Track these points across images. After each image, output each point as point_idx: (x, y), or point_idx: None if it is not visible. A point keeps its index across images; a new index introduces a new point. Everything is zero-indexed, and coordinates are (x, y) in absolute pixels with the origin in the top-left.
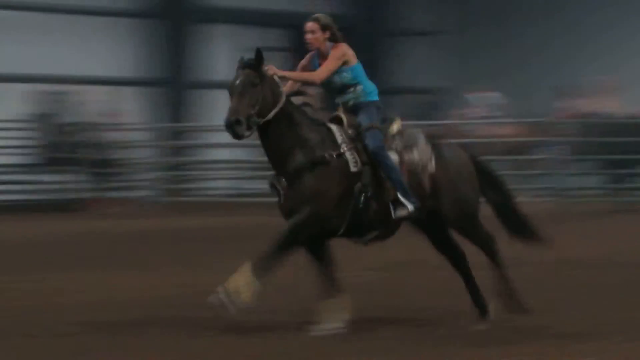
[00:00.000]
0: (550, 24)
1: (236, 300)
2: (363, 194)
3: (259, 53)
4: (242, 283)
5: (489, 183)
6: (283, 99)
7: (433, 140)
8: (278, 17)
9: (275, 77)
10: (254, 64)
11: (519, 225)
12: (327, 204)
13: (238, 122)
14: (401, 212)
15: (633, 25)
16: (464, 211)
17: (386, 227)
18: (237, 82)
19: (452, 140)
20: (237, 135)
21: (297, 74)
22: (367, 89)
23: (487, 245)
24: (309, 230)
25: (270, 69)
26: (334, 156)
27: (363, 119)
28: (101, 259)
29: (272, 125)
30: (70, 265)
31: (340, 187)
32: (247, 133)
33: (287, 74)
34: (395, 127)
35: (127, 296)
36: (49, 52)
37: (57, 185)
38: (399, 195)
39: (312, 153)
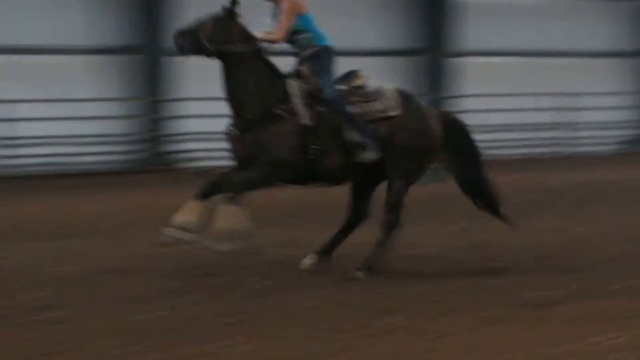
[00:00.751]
0: None
1: (228, 237)
2: (317, 145)
3: (229, 8)
4: (228, 224)
5: (457, 141)
6: (249, 46)
7: (405, 93)
8: None
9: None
10: (228, 10)
11: (480, 190)
12: (284, 154)
13: (182, 34)
14: (367, 155)
15: None
16: (406, 162)
17: (345, 174)
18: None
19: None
20: (178, 48)
21: (262, 34)
22: (317, 35)
23: (393, 212)
24: (266, 180)
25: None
26: (286, 111)
27: (320, 71)
28: None
29: (233, 69)
30: None
31: (291, 139)
32: (189, 51)
33: (256, 34)
34: (357, 81)
35: None
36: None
37: None
38: (363, 140)
39: (266, 106)
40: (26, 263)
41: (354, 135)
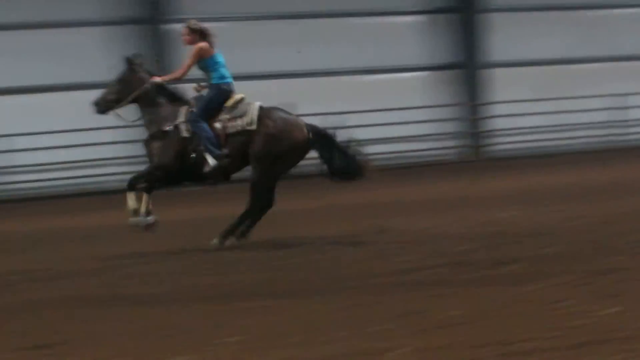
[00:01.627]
0: None
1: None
2: (193, 153)
3: (129, 60)
4: (132, 206)
5: (323, 144)
6: (143, 89)
7: (268, 109)
8: None
9: (147, 77)
10: (127, 67)
11: (344, 172)
12: (165, 160)
13: (96, 103)
14: (206, 168)
15: None
16: (265, 162)
17: (214, 177)
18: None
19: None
20: (99, 112)
21: (167, 77)
22: (217, 75)
23: (265, 197)
24: (157, 175)
25: (154, 78)
26: (170, 128)
27: (202, 100)
28: None
29: (141, 103)
30: None
31: (174, 148)
32: (106, 112)
33: (159, 79)
34: (230, 102)
35: None
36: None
37: None
38: (205, 154)
39: (158, 126)
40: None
41: (201, 147)
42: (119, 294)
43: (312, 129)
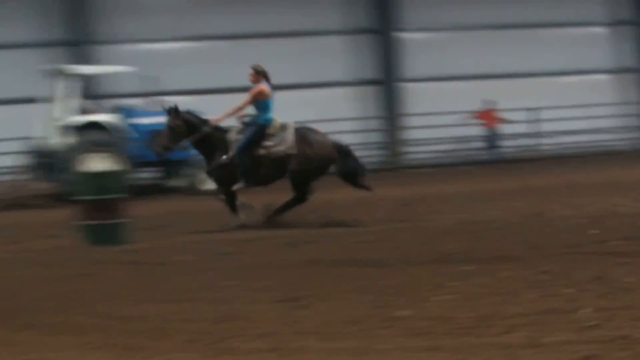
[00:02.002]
0: None
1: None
2: None
3: (172, 109)
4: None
5: (343, 157)
6: (203, 132)
7: (302, 133)
8: None
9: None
10: (172, 115)
11: (354, 178)
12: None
13: (156, 152)
14: (235, 187)
15: None
16: (301, 176)
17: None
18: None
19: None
20: (158, 157)
21: (223, 115)
22: (265, 117)
23: (301, 194)
24: (224, 186)
25: (212, 119)
26: (226, 157)
27: (246, 132)
28: None
29: (195, 142)
30: None
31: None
32: (164, 156)
33: (221, 116)
34: (271, 129)
35: None
36: None
37: None
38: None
39: (216, 159)
40: None
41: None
42: (354, 257)
43: (337, 146)
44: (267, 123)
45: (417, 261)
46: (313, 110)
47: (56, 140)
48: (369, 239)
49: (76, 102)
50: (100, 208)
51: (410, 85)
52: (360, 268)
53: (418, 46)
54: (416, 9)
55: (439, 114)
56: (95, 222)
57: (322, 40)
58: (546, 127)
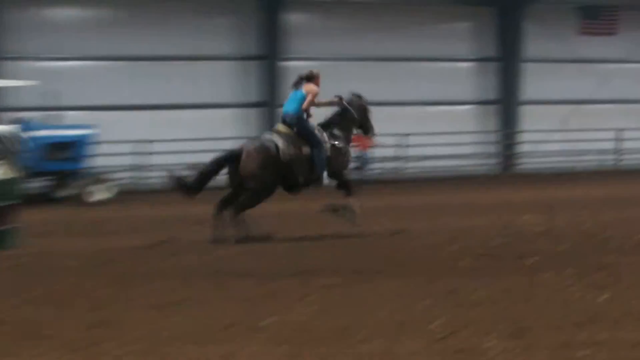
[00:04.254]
0: None
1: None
2: None
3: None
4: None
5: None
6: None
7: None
8: None
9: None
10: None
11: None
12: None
13: None
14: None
15: None
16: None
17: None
18: None
19: None
20: None
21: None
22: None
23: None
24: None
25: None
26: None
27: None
28: None
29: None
30: None
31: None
32: None
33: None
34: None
35: None
36: None
37: None
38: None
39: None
40: None
41: None
42: (231, 269)
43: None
44: None
45: (287, 273)
46: (198, 130)
47: None
48: (245, 250)
49: None
50: None
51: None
52: (234, 278)
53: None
54: (302, 38)
55: None
56: None
57: (213, 65)
58: (413, 152)
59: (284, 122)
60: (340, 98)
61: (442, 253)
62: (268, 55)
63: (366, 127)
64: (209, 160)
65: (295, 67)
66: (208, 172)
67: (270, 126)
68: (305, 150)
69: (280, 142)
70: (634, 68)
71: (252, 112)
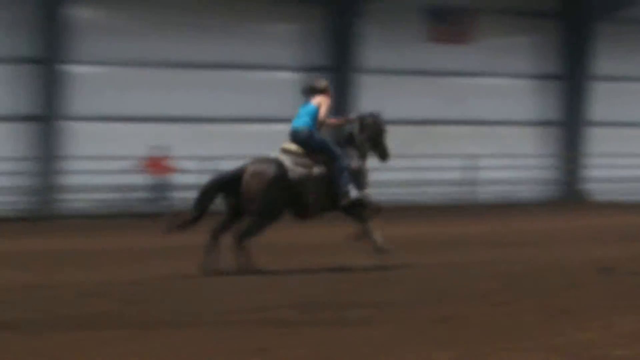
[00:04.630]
0: None
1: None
2: None
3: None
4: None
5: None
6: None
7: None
8: None
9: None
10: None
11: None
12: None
13: None
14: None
15: None
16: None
17: None
18: None
19: None
20: None
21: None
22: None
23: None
24: None
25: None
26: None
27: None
28: None
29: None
30: None
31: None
32: None
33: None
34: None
35: None
36: None
37: None
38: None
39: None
40: None
41: None
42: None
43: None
44: None
45: (71, 325)
46: None
47: None
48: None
49: None
50: None
51: (73, 124)
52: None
53: (88, 81)
54: (89, 39)
55: (104, 158)
56: None
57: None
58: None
59: (294, 139)
60: (347, 119)
61: (251, 302)
62: (44, 58)
63: (379, 151)
64: (206, 183)
65: (81, 72)
66: (207, 197)
67: (45, 145)
68: (317, 170)
69: (287, 161)
70: (489, 83)
71: (21, 127)
